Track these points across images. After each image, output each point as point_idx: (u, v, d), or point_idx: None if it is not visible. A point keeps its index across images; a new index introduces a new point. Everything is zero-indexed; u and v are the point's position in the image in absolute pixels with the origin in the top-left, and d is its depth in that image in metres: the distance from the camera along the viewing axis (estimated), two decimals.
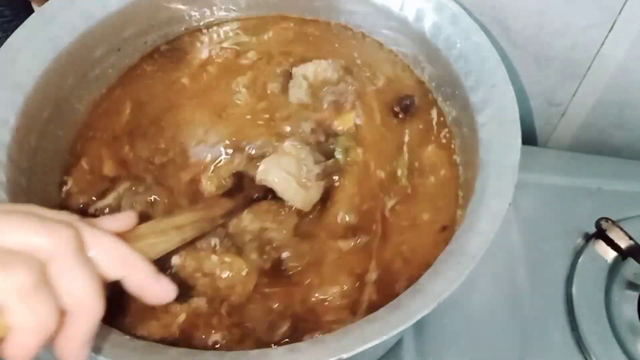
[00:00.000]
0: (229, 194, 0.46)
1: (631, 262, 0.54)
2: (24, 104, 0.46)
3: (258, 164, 0.47)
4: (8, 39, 0.48)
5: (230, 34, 0.59)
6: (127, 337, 0.38)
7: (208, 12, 0.58)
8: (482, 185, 0.43)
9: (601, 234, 0.56)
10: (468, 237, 0.39)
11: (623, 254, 0.55)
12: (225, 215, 0.45)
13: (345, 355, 0.34)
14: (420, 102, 0.54)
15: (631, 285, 0.54)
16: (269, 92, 0.54)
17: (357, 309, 0.43)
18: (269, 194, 0.47)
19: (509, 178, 0.41)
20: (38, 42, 0.49)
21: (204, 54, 0.57)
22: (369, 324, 0.37)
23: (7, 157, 0.44)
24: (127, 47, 0.55)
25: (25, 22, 0.49)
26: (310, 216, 0.47)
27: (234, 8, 0.59)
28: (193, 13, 0.58)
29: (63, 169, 0.50)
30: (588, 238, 0.57)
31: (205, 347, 0.41)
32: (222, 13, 0.59)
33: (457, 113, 0.51)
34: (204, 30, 0.59)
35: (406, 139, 0.52)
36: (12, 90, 0.46)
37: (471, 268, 0.37)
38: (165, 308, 0.42)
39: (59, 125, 0.50)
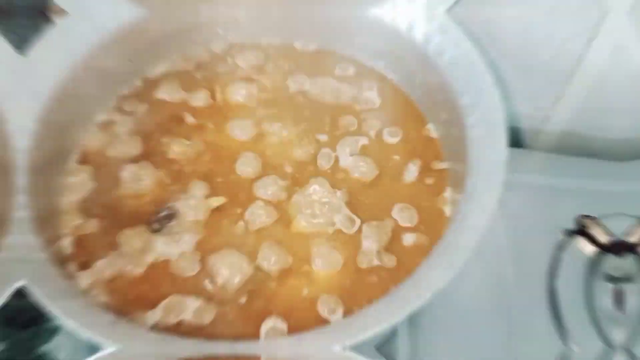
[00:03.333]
0: None
1: (609, 257, 0.56)
2: (42, 112, 0.49)
3: None
4: (29, 52, 0.50)
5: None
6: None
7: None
8: (472, 184, 0.45)
9: (582, 230, 0.57)
10: (460, 231, 0.42)
11: (602, 249, 0.56)
12: None
13: (338, 346, 0.36)
14: None
15: (608, 278, 0.55)
16: None
17: None
18: None
19: (496, 176, 0.44)
20: (56, 53, 0.51)
21: None
22: (364, 316, 0.40)
23: (21, 163, 0.46)
24: (139, 59, 0.57)
25: (44, 34, 0.51)
26: None
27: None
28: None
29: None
30: (570, 234, 0.58)
31: None
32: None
33: (447, 115, 0.53)
34: None
35: None
36: (30, 98, 0.49)
37: (464, 259, 0.39)
38: None
39: (74, 133, 0.53)
